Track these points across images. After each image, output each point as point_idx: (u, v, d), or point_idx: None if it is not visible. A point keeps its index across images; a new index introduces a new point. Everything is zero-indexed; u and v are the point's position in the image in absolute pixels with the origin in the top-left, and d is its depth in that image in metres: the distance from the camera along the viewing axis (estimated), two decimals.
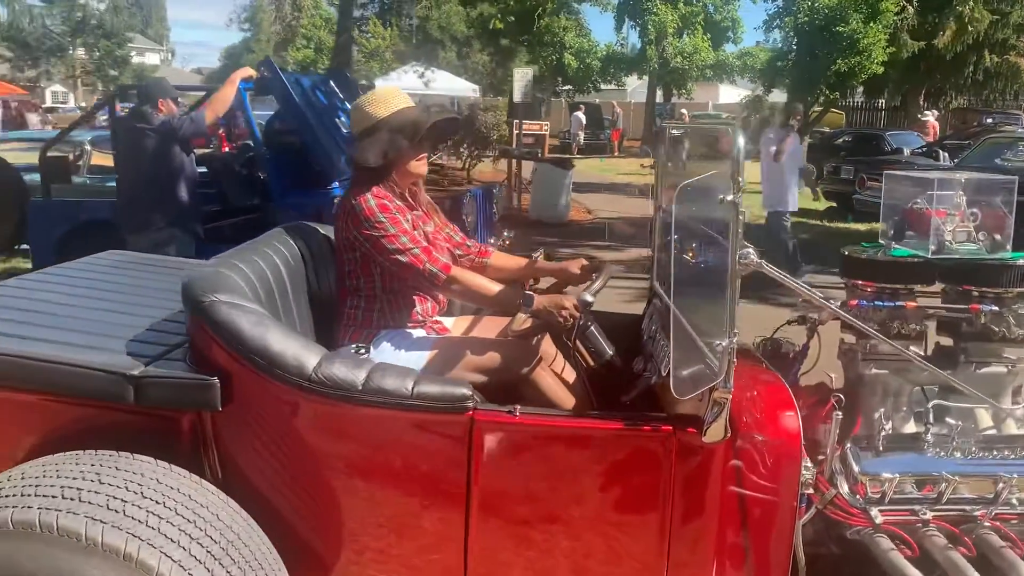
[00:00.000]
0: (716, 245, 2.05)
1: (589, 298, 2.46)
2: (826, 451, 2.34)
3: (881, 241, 2.63)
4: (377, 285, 2.65)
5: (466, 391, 2.00)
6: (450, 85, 22.83)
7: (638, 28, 30.40)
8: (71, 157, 8.63)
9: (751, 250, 1.93)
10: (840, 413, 2.33)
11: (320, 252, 2.74)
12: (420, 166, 2.71)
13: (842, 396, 2.39)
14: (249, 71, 5.77)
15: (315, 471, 2.01)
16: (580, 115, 29.34)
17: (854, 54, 17.33)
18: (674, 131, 2.70)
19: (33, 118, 27.52)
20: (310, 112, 5.99)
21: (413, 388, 1.94)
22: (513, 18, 19.33)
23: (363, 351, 2.61)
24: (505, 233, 6.74)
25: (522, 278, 3.01)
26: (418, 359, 2.61)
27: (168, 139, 5.44)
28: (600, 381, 2.69)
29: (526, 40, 25.84)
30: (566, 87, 33.20)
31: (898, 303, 2.42)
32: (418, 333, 2.73)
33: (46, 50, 55.43)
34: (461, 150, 18.22)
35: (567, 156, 15.02)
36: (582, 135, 29.29)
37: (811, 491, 2.22)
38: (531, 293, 2.55)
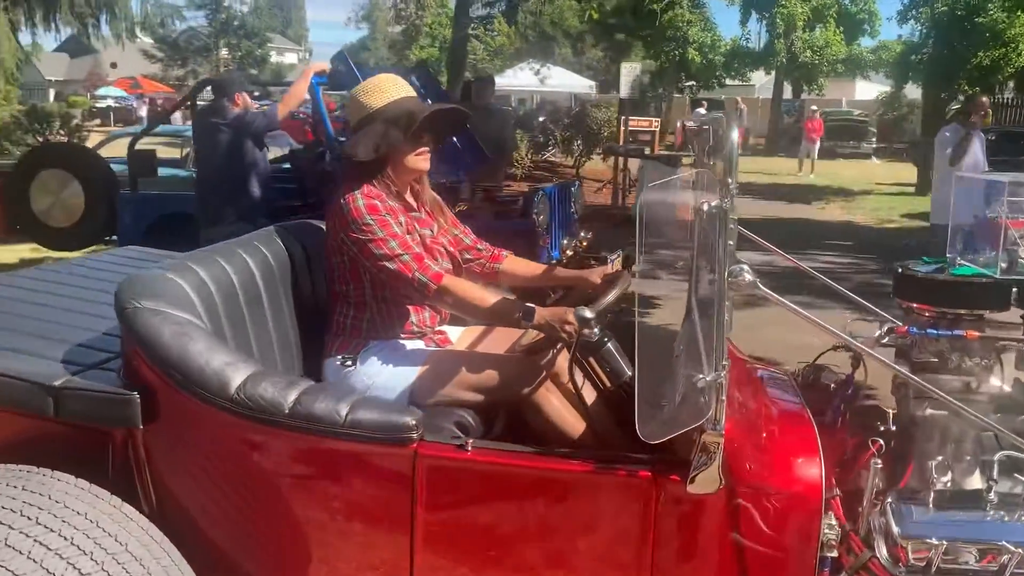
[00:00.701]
0: (705, 257, 1.72)
1: (587, 314, 2.16)
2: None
3: (948, 256, 2.20)
4: (367, 292, 2.43)
5: (410, 420, 1.74)
6: (565, 81, 22.56)
7: (765, 21, 29.23)
8: (182, 152, 8.91)
9: (744, 267, 1.60)
10: (879, 461, 1.95)
11: (318, 253, 2.54)
12: (419, 161, 2.47)
13: (883, 440, 2.01)
14: (322, 65, 5.69)
15: (246, 500, 1.81)
16: (702, 111, 28.43)
17: (998, 46, 15.97)
18: (691, 125, 2.37)
19: (176, 115, 29.16)
20: None
21: (347, 414, 1.70)
22: (632, 13, 18.84)
23: (349, 363, 2.40)
24: (582, 234, 6.45)
25: (539, 286, 2.73)
26: (407, 374, 2.38)
27: (241, 134, 5.43)
28: (626, 404, 2.39)
29: (648, 35, 25.25)
30: (688, 83, 32.32)
31: (957, 332, 2.00)
32: (412, 345, 2.49)
33: (193, 50, 58.56)
34: (573, 147, 17.99)
35: (677, 154, 14.45)
36: None
37: (836, 554, 1.86)
38: (531, 306, 2.27)
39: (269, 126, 5.49)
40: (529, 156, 17.90)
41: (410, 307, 2.48)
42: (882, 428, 2.12)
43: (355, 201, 2.34)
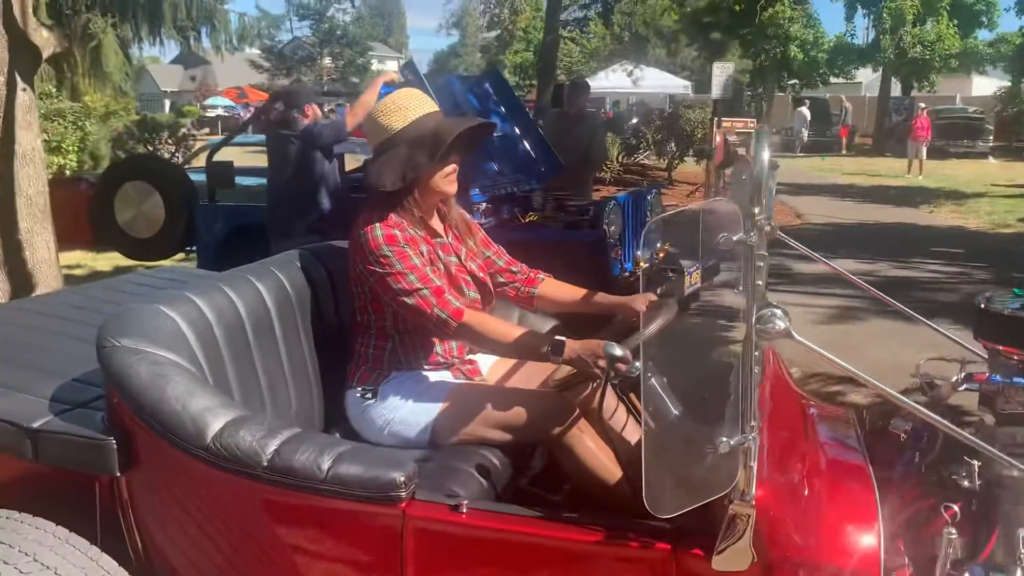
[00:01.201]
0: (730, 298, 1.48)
1: (617, 351, 1.95)
2: None
3: None
4: (388, 323, 2.27)
5: (398, 476, 1.56)
6: (659, 82, 22.09)
7: (872, 16, 27.98)
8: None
9: (777, 312, 1.36)
10: (954, 530, 1.67)
11: (345, 277, 2.40)
12: (446, 184, 2.29)
13: (961, 504, 1.72)
14: (391, 75, 5.61)
15: (229, 555, 1.67)
16: (805, 111, 27.49)
17: None
18: (733, 139, 2.11)
19: None
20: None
21: (328, 468, 1.54)
22: (737, 9, 18.29)
23: (369, 396, 2.25)
24: (658, 244, 6.18)
25: (579, 312, 2.52)
26: (429, 409, 2.21)
27: (310, 145, 5.40)
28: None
29: (747, 33, 24.53)
30: (791, 81, 31.27)
31: None
32: (437, 376, 2.32)
33: (298, 60, 60.36)
34: (666, 149, 17.57)
35: (775, 155, 13.90)
36: (806, 132, 27.42)
37: None
38: (561, 339, 2.07)
39: (337, 137, 5.43)
40: (620, 159, 17.58)
41: (436, 337, 2.31)
42: (962, 488, 1.82)
43: (373, 231, 2.18)
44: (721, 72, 12.06)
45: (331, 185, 5.55)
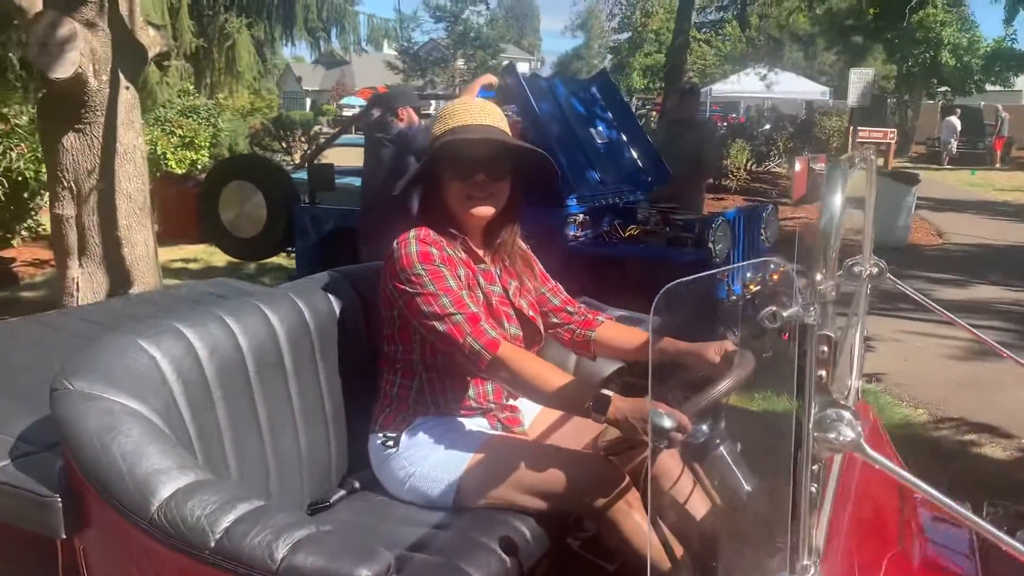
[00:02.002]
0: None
1: (666, 423, 1.59)
2: None
3: None
4: (416, 355, 2.00)
5: (364, 573, 1.27)
6: (795, 87, 21.04)
7: None
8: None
9: (846, 415, 0.99)
10: None
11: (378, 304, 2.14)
12: (471, 207, 2.00)
13: None
14: (491, 78, 5.35)
15: None
16: (955, 120, 25.70)
17: None
18: (819, 168, 1.72)
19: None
20: (551, 122, 5.44)
21: (283, 558, 1.26)
22: (872, 13, 17.18)
23: (391, 444, 1.99)
24: (772, 265, 5.67)
25: (642, 359, 2.17)
26: (456, 464, 1.92)
27: (403, 149, 5.22)
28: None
29: (894, 37, 23.09)
30: (941, 88, 29.32)
31: None
32: (471, 424, 2.03)
33: (432, 61, 61.57)
34: (801, 157, 16.73)
35: (914, 169, 12.96)
36: (955, 143, 25.64)
37: None
38: (607, 394, 1.74)
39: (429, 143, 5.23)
40: (749, 167, 16.84)
41: (469, 376, 2.02)
42: None
43: (407, 246, 1.92)
44: (859, 79, 11.28)
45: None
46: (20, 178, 7.48)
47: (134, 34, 5.40)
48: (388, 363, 2.05)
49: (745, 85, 22.14)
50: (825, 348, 1.00)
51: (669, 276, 4.08)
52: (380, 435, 2.00)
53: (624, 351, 2.16)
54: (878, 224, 8.07)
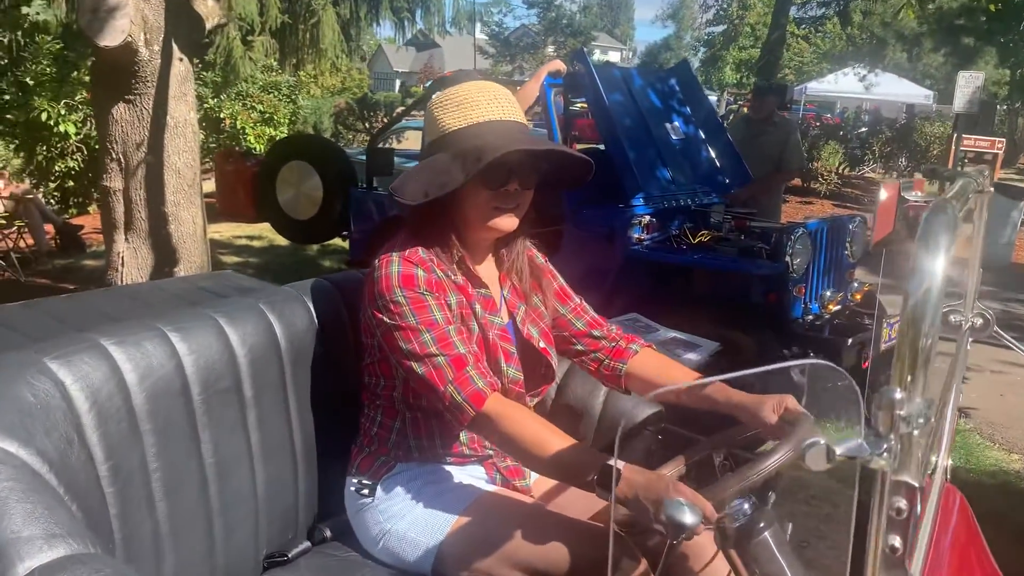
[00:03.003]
0: None
1: (687, 519, 1.22)
2: None
3: None
4: (397, 392, 1.67)
5: None
6: (896, 89, 19.95)
7: None
8: None
9: None
10: None
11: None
12: (494, 218, 1.65)
13: None
14: (558, 65, 4.99)
15: None
16: None
17: None
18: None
19: None
20: (621, 114, 5.03)
21: None
22: (986, 13, 16.02)
23: (366, 493, 1.67)
24: (855, 284, 5.17)
25: (682, 404, 1.79)
26: (438, 525, 1.59)
27: None
28: None
29: (1010, 40, 21.69)
30: None
31: None
32: (460, 475, 1.70)
33: (522, 47, 61.31)
34: (895, 164, 15.84)
35: (1021, 182, 12.05)
36: None
37: None
38: (615, 465, 1.38)
39: None
40: (841, 171, 16.02)
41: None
42: None
43: (388, 265, 1.59)
44: (967, 83, 10.46)
45: None
46: (98, 146, 7.48)
47: (191, 4, 5.21)
48: (369, 396, 1.73)
49: (843, 85, 21.16)
50: (904, 504, 0.63)
51: (740, 289, 3.62)
52: (355, 480, 1.68)
53: (659, 389, 1.78)
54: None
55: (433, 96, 1.71)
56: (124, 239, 5.26)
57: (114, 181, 5.12)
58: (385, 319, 1.56)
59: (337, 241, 7.21)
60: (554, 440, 1.45)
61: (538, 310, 1.78)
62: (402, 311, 1.55)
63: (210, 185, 10.50)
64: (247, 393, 1.58)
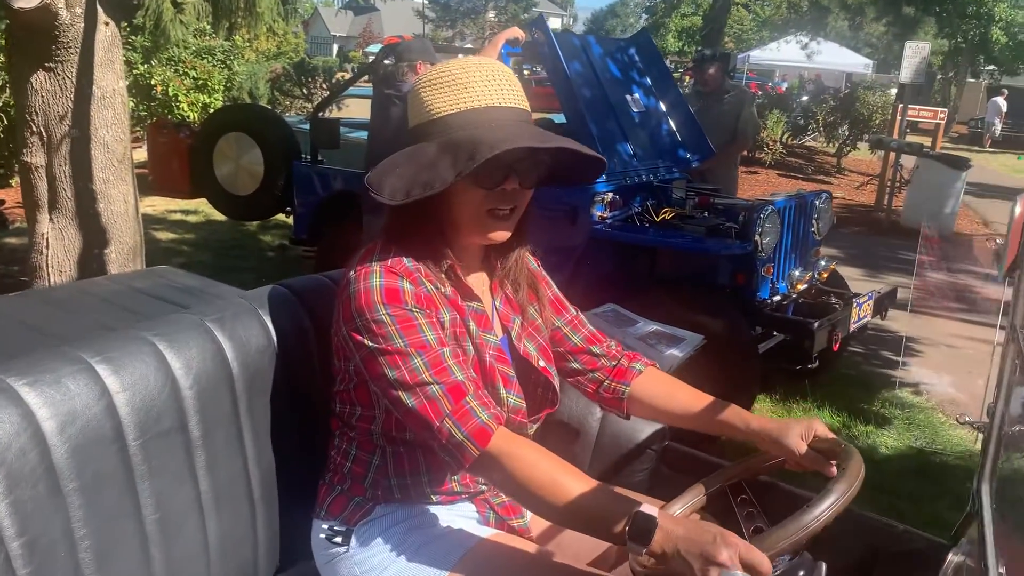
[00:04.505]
0: None
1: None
2: None
3: None
4: (377, 424, 1.43)
5: None
6: (837, 59, 20.05)
7: None
8: None
9: None
10: None
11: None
12: (496, 226, 1.40)
13: None
14: (516, 32, 4.71)
15: None
16: (1000, 101, 24.70)
17: None
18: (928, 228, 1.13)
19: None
20: (582, 86, 4.80)
21: None
22: None
23: (338, 541, 1.43)
24: (822, 263, 5.05)
25: (690, 428, 1.58)
26: None
27: None
28: None
29: (944, 11, 21.99)
30: (988, 67, 28.11)
31: None
32: (449, 517, 1.47)
33: (463, 12, 60.51)
34: (837, 133, 15.89)
35: (969, 157, 12.17)
36: (999, 124, 24.65)
37: None
38: (650, 514, 1.17)
39: None
40: (785, 140, 16.04)
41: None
42: None
43: (368, 278, 1.34)
44: (914, 53, 10.43)
45: None
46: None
47: None
48: (340, 426, 1.48)
49: (785, 53, 21.18)
50: None
51: (707, 271, 3.41)
52: (325, 525, 1.44)
53: (670, 414, 1.57)
54: (922, 210, 7.34)
55: (418, 79, 1.45)
56: (48, 219, 4.87)
57: (36, 157, 4.71)
58: (366, 342, 1.31)
59: (280, 216, 6.86)
60: (573, 484, 1.23)
61: (534, 323, 1.55)
62: (387, 332, 1.30)
63: (141, 154, 9.98)
64: (194, 433, 1.33)
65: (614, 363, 1.61)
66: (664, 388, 1.58)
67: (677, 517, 1.21)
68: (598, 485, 1.23)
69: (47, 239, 4.85)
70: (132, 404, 1.24)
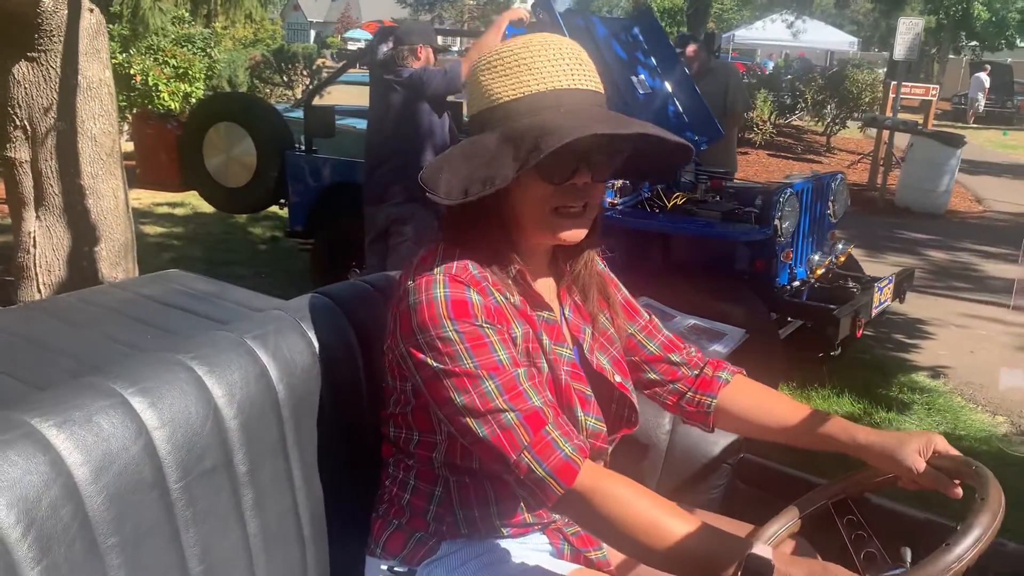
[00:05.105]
0: None
1: None
2: None
3: None
4: (439, 452, 1.28)
5: None
6: (822, 37, 19.92)
7: None
8: None
9: None
10: None
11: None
12: (565, 226, 1.24)
13: None
14: (520, 12, 4.54)
15: None
16: (983, 76, 24.67)
17: None
18: None
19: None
20: None
21: None
22: None
23: None
24: (839, 246, 4.93)
25: (800, 445, 1.43)
26: None
27: (416, 95, 4.45)
28: None
29: None
30: (971, 43, 28.10)
31: None
32: (525, 549, 1.32)
33: None
34: (825, 111, 15.79)
35: (947, 130, 12.09)
36: (982, 100, 24.65)
37: None
38: (764, 556, 1.02)
39: (449, 88, 4.44)
40: (772, 119, 15.94)
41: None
42: None
43: (430, 288, 1.18)
44: (907, 29, 10.30)
45: (439, 143, 4.58)
46: None
47: None
48: (395, 453, 1.33)
49: (770, 32, 21.03)
50: None
51: (724, 258, 3.23)
52: (384, 565, 1.29)
53: (762, 427, 1.41)
54: (917, 189, 7.23)
55: (478, 61, 1.29)
56: (35, 217, 4.66)
57: (20, 152, 4.50)
58: (429, 361, 1.16)
59: (271, 208, 6.66)
60: (675, 524, 1.08)
61: (606, 333, 1.39)
62: (455, 351, 1.15)
63: (127, 146, 9.71)
64: (240, 469, 1.17)
65: (696, 372, 1.46)
66: (756, 399, 1.43)
67: (794, 558, 1.07)
68: (701, 524, 1.09)
69: (34, 237, 4.65)
70: (173, 441, 1.08)
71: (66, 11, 4.27)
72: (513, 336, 1.20)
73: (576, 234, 1.24)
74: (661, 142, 1.25)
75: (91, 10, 4.52)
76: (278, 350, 1.27)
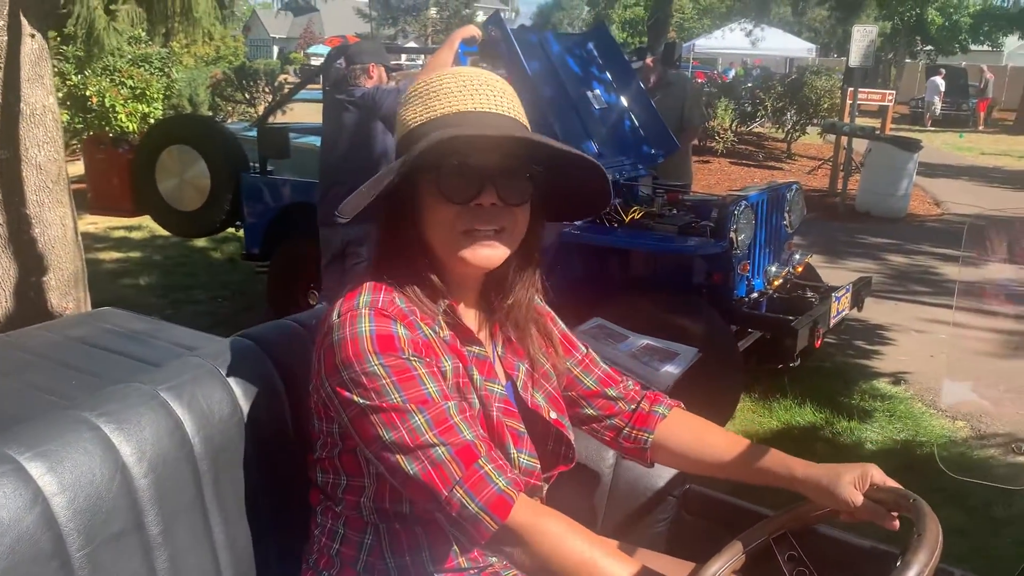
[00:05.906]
0: None
1: None
2: None
3: None
4: (368, 496, 1.23)
5: None
6: (780, 44, 20.16)
7: None
8: None
9: None
10: None
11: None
12: (474, 248, 1.20)
13: None
14: (472, 30, 4.50)
15: None
16: (938, 80, 25.10)
17: None
18: None
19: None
20: (542, 84, 4.62)
21: None
22: None
23: None
24: (796, 256, 4.94)
25: (738, 480, 1.39)
26: None
27: (369, 114, 4.40)
28: None
29: None
30: (926, 47, 28.60)
31: None
32: None
33: (404, 9, 59.87)
34: (785, 118, 15.95)
35: (913, 136, 12.25)
36: (939, 104, 25.06)
37: None
38: None
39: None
40: (733, 127, 16.06)
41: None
42: None
43: (354, 323, 1.14)
44: (862, 36, 10.44)
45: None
46: None
47: None
48: (323, 500, 1.28)
49: (730, 41, 21.25)
50: None
51: (681, 271, 3.21)
52: None
53: (699, 463, 1.38)
54: (877, 193, 7.33)
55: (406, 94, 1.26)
56: None
57: None
58: (355, 398, 1.11)
59: (229, 230, 6.57)
60: (609, 565, 1.05)
61: (542, 369, 1.35)
62: (381, 386, 1.10)
63: (78, 168, 9.54)
64: (152, 531, 1.11)
65: (633, 407, 1.42)
66: (693, 433, 1.39)
67: None
68: (641, 567, 1.05)
69: None
70: (74, 507, 1.02)
71: (6, 37, 4.18)
72: (443, 370, 1.17)
73: (487, 257, 1.20)
74: (582, 172, 1.22)
75: (32, 35, 4.42)
76: (194, 400, 1.22)
